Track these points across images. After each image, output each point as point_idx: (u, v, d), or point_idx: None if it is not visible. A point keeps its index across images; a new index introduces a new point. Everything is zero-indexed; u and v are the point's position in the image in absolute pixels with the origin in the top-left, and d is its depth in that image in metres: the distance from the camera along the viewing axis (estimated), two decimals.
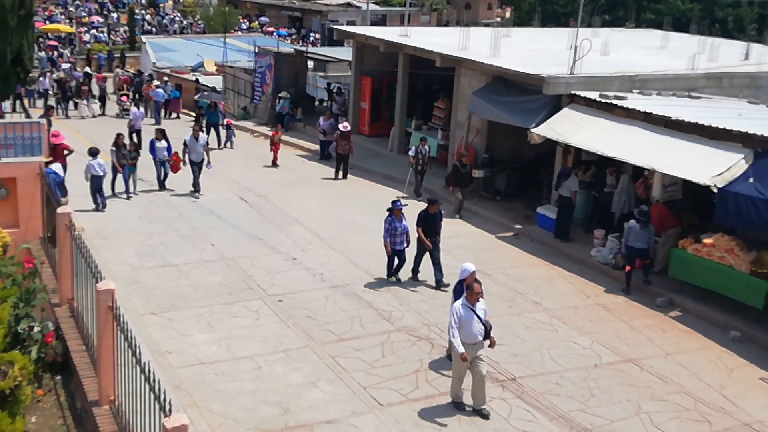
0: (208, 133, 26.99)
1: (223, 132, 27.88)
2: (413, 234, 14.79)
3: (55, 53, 49.87)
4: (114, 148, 19.75)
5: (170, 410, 6.76)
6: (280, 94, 31.04)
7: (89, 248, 10.37)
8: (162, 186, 20.76)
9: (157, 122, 32.73)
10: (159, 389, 7.08)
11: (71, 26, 59.18)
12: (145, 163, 20.77)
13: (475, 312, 10.31)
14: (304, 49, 35.85)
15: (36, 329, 10.62)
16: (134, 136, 26.02)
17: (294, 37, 63.30)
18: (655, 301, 14.68)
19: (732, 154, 14.54)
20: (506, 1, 76.74)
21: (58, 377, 10.69)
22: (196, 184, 20.48)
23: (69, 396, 10.27)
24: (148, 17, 66.56)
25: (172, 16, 70.25)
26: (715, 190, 13.95)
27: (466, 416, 10.49)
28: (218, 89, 36.48)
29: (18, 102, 33.43)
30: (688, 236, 15.03)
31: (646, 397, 11.34)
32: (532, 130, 18.26)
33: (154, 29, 62.30)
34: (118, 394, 8.95)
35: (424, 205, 15.23)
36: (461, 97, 22.18)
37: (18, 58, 20.32)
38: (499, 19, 74.70)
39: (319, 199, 20.78)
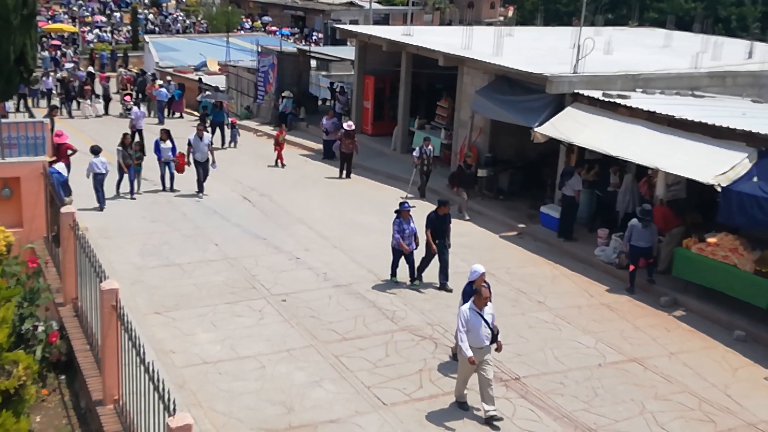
0: (213, 132, 27.03)
1: (227, 131, 27.89)
2: (422, 236, 14.65)
3: (59, 53, 49.92)
4: (120, 148, 19.72)
5: (174, 409, 6.76)
6: (283, 94, 31.05)
7: (93, 248, 10.37)
8: (171, 188, 20.61)
9: (161, 122, 32.77)
10: (163, 388, 7.08)
11: (74, 26, 59.23)
12: (149, 163, 20.74)
13: (482, 316, 10.22)
14: (307, 48, 35.84)
15: (40, 329, 10.64)
16: (136, 135, 26.02)
17: (297, 36, 63.30)
18: (659, 301, 14.66)
19: (736, 153, 14.51)
20: (509, 0, 76.70)
21: (63, 377, 10.70)
22: (200, 185, 20.41)
23: (73, 395, 10.28)
24: (151, 17, 66.60)
25: (175, 16, 70.28)
26: (719, 189, 13.93)
27: (470, 415, 10.48)
28: (221, 89, 36.50)
29: (22, 102, 33.52)
30: (692, 235, 15.01)
31: (650, 397, 11.33)
32: (536, 129, 18.24)
33: (157, 29, 62.34)
34: (122, 394, 8.95)
35: (428, 206, 15.19)
36: (464, 96, 22.17)
37: (21, 58, 20.30)
38: (501, 18, 74.61)
39: (322, 198, 20.78)
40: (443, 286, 14.61)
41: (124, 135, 20.29)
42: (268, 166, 24.35)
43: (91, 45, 54.98)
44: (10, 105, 30.71)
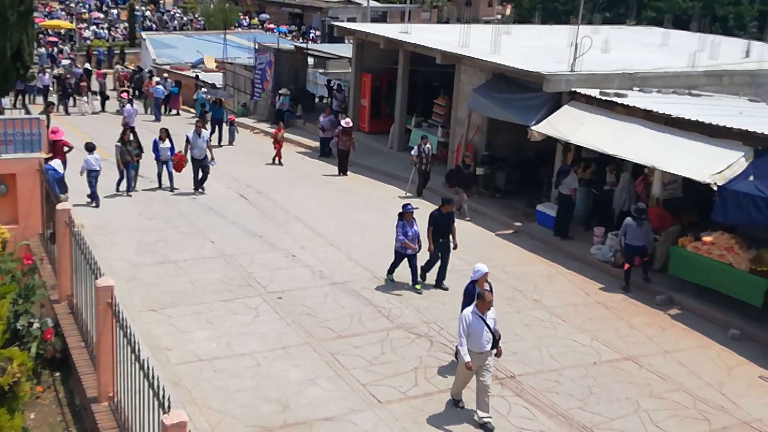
0: (212, 129, 26.98)
1: (225, 129, 27.85)
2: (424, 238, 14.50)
3: (55, 49, 49.86)
4: (119, 144, 19.64)
5: (169, 407, 6.75)
6: (280, 91, 31.01)
7: (88, 244, 10.35)
8: (171, 188, 20.42)
9: (157, 119, 32.73)
10: (158, 386, 7.07)
11: (71, 22, 59.16)
12: (147, 161, 20.61)
13: (484, 321, 10.10)
14: (304, 45, 35.81)
15: (35, 326, 10.61)
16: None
17: (294, 33, 63.27)
18: (655, 299, 14.67)
19: (732, 152, 14.53)
20: None
21: (57, 374, 10.67)
22: (196, 182, 20.36)
23: (68, 392, 10.26)
24: (148, 13, 66.55)
25: (172, 13, 70.27)
26: (715, 188, 13.94)
27: (464, 413, 10.48)
28: (218, 86, 36.47)
29: (19, 98, 33.50)
30: (688, 234, 15.02)
31: (645, 395, 11.34)
32: (533, 128, 18.25)
33: (154, 25, 62.30)
34: (117, 391, 8.93)
35: (425, 204, 15.14)
36: (461, 94, 22.16)
37: (18, 55, 20.31)
38: (499, 16, 74.68)
39: (318, 196, 20.77)
40: (439, 285, 14.59)
41: (124, 131, 20.20)
42: (266, 164, 24.31)
43: (88, 42, 54.91)
44: (6, 101, 30.72)
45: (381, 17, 62.51)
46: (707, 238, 14.39)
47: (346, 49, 32.25)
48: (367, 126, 27.57)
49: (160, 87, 34.50)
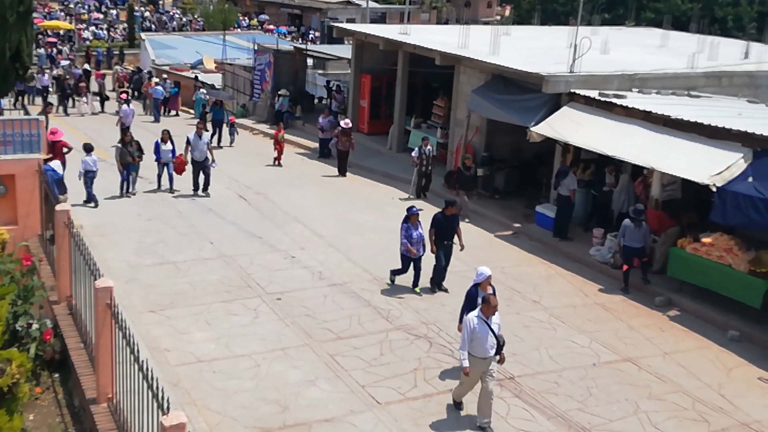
0: (214, 131, 26.93)
1: (225, 130, 27.82)
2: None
3: (54, 50, 49.85)
4: (120, 145, 19.54)
5: (168, 408, 6.75)
6: (279, 92, 31.02)
7: (87, 245, 10.35)
8: (170, 189, 20.30)
9: (156, 120, 32.74)
10: (157, 387, 7.07)
11: (70, 23, 59.15)
12: (147, 162, 20.46)
13: (489, 326, 10.02)
14: (303, 46, 35.82)
15: (34, 326, 10.61)
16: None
17: (293, 34, 63.28)
18: (654, 301, 14.68)
19: (731, 153, 14.54)
20: None
21: (56, 375, 10.67)
22: (195, 184, 20.20)
23: (67, 394, 10.26)
24: (147, 14, 66.53)
25: (171, 14, 70.27)
26: (715, 190, 13.95)
27: (464, 416, 10.48)
28: (217, 86, 36.46)
29: (19, 99, 33.50)
30: (687, 235, 15.03)
31: (644, 397, 11.34)
32: (532, 129, 18.25)
33: (153, 26, 62.29)
34: (116, 392, 8.93)
35: (424, 205, 15.08)
36: (461, 96, 22.17)
37: (17, 55, 20.28)
38: (498, 17, 74.69)
39: (318, 197, 20.76)
40: (439, 286, 14.56)
41: (125, 132, 20.11)
42: (267, 165, 24.29)
43: (87, 42, 54.91)
44: (5, 102, 30.70)
45: (380, 18, 62.52)
46: (706, 240, 14.40)
47: (345, 50, 32.26)
48: (367, 127, 27.57)
49: (160, 88, 34.50)
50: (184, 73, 41.17)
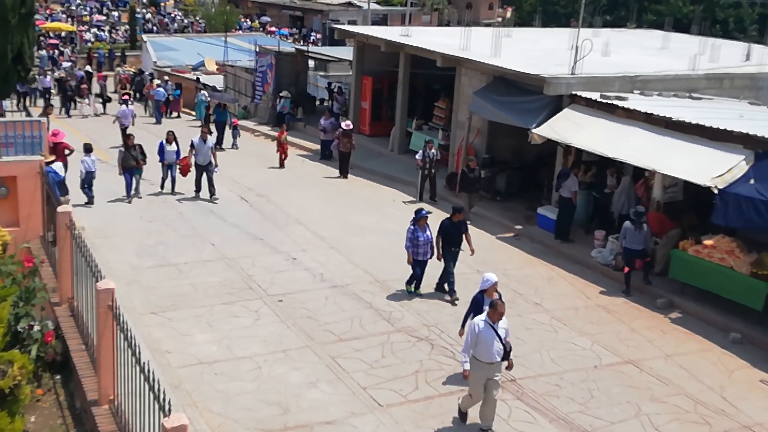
0: (219, 133, 26.87)
1: (228, 132, 27.79)
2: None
3: (56, 52, 49.91)
4: (123, 149, 19.43)
5: (169, 410, 6.75)
6: (281, 94, 31.05)
7: (89, 247, 10.35)
8: (172, 191, 20.21)
9: (158, 121, 32.76)
10: (158, 389, 7.07)
11: (72, 25, 59.21)
12: (151, 164, 20.33)
13: (496, 331, 9.85)
14: (305, 48, 35.84)
15: (36, 328, 10.60)
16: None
17: (295, 36, 63.32)
18: (656, 303, 14.67)
19: (733, 156, 14.53)
20: (507, 1, 76.79)
21: (58, 376, 10.67)
22: (198, 186, 20.01)
23: (68, 395, 10.26)
24: (149, 16, 66.58)
25: (173, 15, 70.31)
26: (716, 192, 13.94)
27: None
28: (219, 88, 36.49)
29: (22, 101, 33.55)
30: (688, 238, 15.02)
31: (646, 399, 11.33)
32: (533, 131, 18.25)
33: (155, 28, 62.34)
34: (117, 394, 8.93)
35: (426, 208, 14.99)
36: (462, 97, 22.17)
37: (19, 57, 20.30)
38: (500, 19, 74.67)
39: (319, 199, 20.76)
40: (440, 288, 14.53)
41: (128, 136, 19.97)
42: (270, 167, 24.27)
43: (89, 44, 54.97)
44: (7, 104, 30.71)
45: (381, 20, 62.55)
46: (708, 242, 14.39)
47: (346, 52, 32.27)
48: (368, 129, 27.57)
49: (161, 89, 34.51)
50: (185, 75, 41.21)
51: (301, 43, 52.61)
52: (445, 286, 14.35)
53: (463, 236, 14.33)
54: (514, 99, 19.64)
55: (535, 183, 20.82)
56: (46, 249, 13.27)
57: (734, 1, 55.70)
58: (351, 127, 23.66)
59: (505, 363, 10.10)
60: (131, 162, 19.31)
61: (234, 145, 27.53)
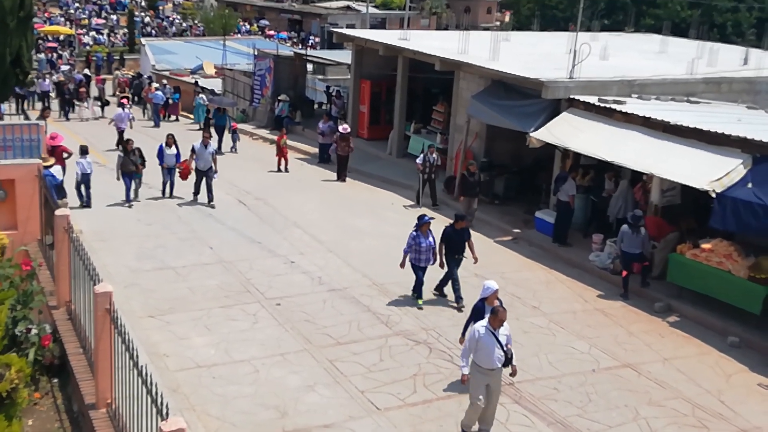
0: (218, 137, 26.86)
1: (227, 136, 27.78)
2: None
3: (55, 55, 49.91)
4: (122, 154, 19.34)
5: (167, 413, 6.74)
6: (279, 97, 31.07)
7: (87, 250, 10.34)
8: (170, 195, 20.10)
9: (156, 125, 32.76)
10: (156, 392, 7.06)
11: (71, 28, 59.23)
12: (151, 167, 20.23)
13: (497, 337, 9.78)
14: (303, 52, 35.87)
15: (33, 332, 10.59)
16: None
17: (293, 40, 63.38)
18: (654, 306, 14.67)
19: (730, 159, 14.55)
20: (506, 5, 76.89)
21: (55, 380, 10.65)
22: (197, 190, 19.91)
23: (66, 399, 10.24)
24: (147, 19, 66.60)
25: (171, 19, 70.32)
26: (714, 195, 13.95)
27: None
28: (217, 91, 36.51)
29: (20, 104, 33.56)
30: (686, 241, 15.03)
31: (643, 403, 11.33)
32: (531, 135, 18.27)
33: (153, 31, 62.36)
34: (115, 397, 8.92)
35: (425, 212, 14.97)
36: (460, 101, 22.19)
37: (17, 60, 20.34)
38: (498, 23, 74.77)
39: (317, 202, 20.77)
40: (439, 289, 14.49)
41: (127, 141, 19.84)
42: (269, 171, 24.25)
43: (88, 47, 54.99)
44: (5, 107, 30.73)
45: (380, 24, 62.70)
46: (706, 246, 14.40)
47: (345, 56, 32.32)
48: (366, 132, 27.59)
49: (160, 93, 34.53)
50: (184, 78, 41.21)
51: (300, 46, 52.70)
52: (451, 292, 14.25)
53: (466, 244, 14.22)
54: (512, 103, 19.66)
55: (533, 187, 20.84)
56: (44, 252, 13.26)
57: (732, 5, 55.78)
58: (348, 130, 23.69)
59: (508, 369, 10.04)
60: (131, 167, 19.24)
61: (233, 149, 27.52)
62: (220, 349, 12.03)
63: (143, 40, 52.07)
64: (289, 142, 27.35)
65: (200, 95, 33.68)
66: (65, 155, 19.17)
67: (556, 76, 18.81)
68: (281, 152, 24.23)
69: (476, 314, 10.88)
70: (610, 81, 19.18)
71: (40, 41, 49.81)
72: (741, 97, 20.27)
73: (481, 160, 21.26)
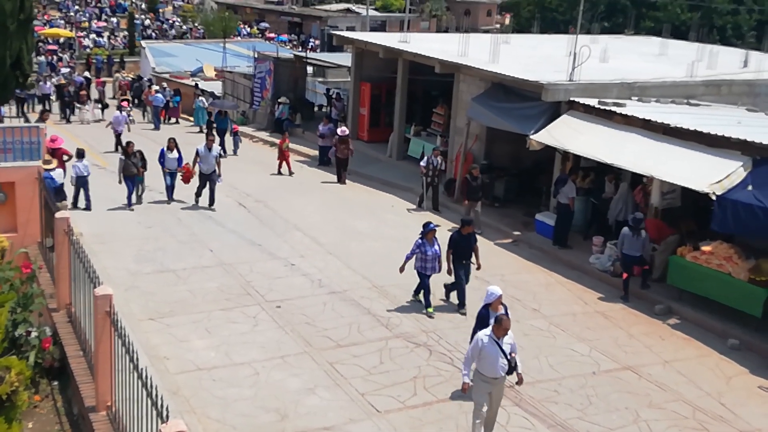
0: (221, 140, 26.86)
1: (229, 139, 27.78)
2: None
3: (55, 58, 49.96)
4: (123, 157, 19.30)
5: (167, 416, 6.74)
6: (279, 100, 31.07)
7: (87, 253, 10.35)
8: (170, 198, 20.03)
9: (156, 127, 32.77)
10: (156, 395, 7.06)
11: (71, 31, 59.29)
12: (151, 171, 20.20)
13: (500, 346, 9.68)
14: (303, 54, 35.88)
15: (33, 334, 10.60)
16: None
17: (294, 42, 63.42)
18: (654, 309, 14.67)
19: (731, 162, 14.55)
20: (505, 7, 76.94)
21: (56, 383, 10.66)
22: (199, 193, 19.82)
23: (66, 402, 10.25)
24: (147, 22, 66.68)
25: (171, 21, 70.40)
26: (714, 198, 13.95)
27: (464, 424, 10.45)
28: (217, 94, 36.52)
29: (20, 107, 33.58)
30: (686, 244, 15.03)
31: (644, 405, 11.32)
32: (531, 137, 18.27)
33: (153, 34, 62.43)
34: (115, 400, 8.92)
35: (427, 216, 14.89)
36: (460, 104, 22.20)
37: (17, 63, 20.36)
38: (498, 26, 74.88)
39: (317, 204, 20.76)
40: (448, 292, 14.33)
41: (128, 143, 19.82)
42: (268, 173, 24.24)
43: (88, 50, 55.05)
44: (5, 110, 30.75)
45: (380, 26, 62.75)
46: (706, 248, 14.40)
47: (345, 58, 32.33)
48: (366, 135, 27.60)
49: (160, 95, 34.54)
50: (184, 81, 41.25)
51: (300, 49, 52.70)
52: (454, 296, 14.24)
53: (471, 249, 14.11)
54: (512, 105, 19.67)
55: (533, 189, 20.83)
56: (44, 255, 13.27)
57: (732, 7, 55.80)
58: (346, 133, 23.68)
59: (513, 377, 9.97)
60: (132, 169, 19.19)
61: (235, 152, 27.53)
62: (220, 352, 12.03)
63: (143, 43, 52.12)
64: (289, 144, 27.43)
65: (200, 98, 33.68)
66: (65, 158, 19.18)
67: (556, 79, 18.82)
68: (283, 156, 24.21)
69: (481, 321, 10.77)
70: (610, 83, 19.18)
71: (40, 44, 49.86)
72: (741, 100, 20.27)
73: (481, 162, 21.25)
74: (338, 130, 23.81)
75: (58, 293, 11.69)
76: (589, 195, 18.35)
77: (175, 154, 20.00)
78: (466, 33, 26.70)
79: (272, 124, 31.05)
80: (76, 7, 69.98)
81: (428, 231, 13.81)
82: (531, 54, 24.82)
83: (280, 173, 24.17)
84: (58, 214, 11.48)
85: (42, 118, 26.15)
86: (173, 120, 35.48)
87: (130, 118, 30.89)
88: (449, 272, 13.97)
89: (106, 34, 61.06)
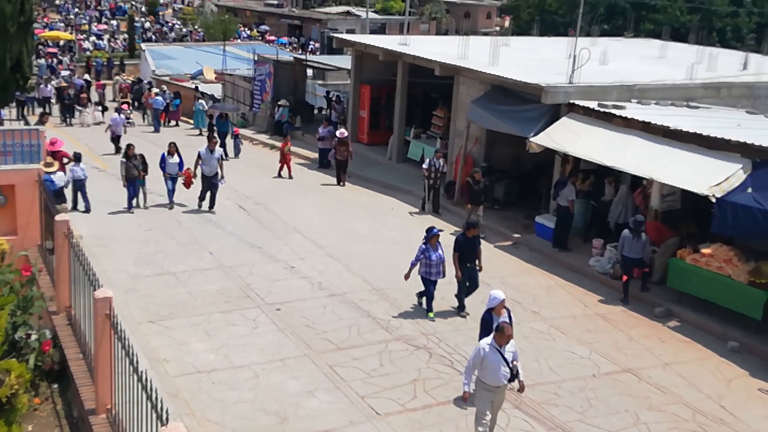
0: (222, 143, 26.85)
1: (230, 142, 27.77)
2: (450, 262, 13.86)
3: (55, 60, 49.99)
4: (124, 160, 19.27)
5: (167, 419, 6.74)
6: (279, 102, 31.08)
7: (87, 256, 10.35)
8: (171, 202, 19.92)
9: (156, 130, 32.78)
10: (156, 398, 7.06)
11: (71, 34, 59.34)
12: (152, 175, 20.14)
13: (502, 354, 9.63)
14: (303, 57, 35.90)
15: (33, 337, 10.60)
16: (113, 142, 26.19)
17: (294, 45, 63.46)
18: (654, 311, 14.66)
19: (730, 164, 14.56)
20: (505, 10, 77.02)
21: (55, 385, 10.66)
22: (202, 197, 19.79)
23: (66, 404, 10.24)
24: (147, 25, 66.74)
25: (171, 24, 70.47)
26: (714, 200, 13.96)
27: (464, 426, 10.45)
28: (217, 97, 36.53)
29: (20, 109, 33.60)
30: (686, 246, 15.03)
31: (644, 408, 11.32)
32: (531, 139, 18.27)
33: (153, 37, 62.47)
34: (115, 403, 8.92)
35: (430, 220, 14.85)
36: (460, 106, 22.20)
37: (17, 65, 20.37)
38: (498, 28, 74.95)
39: (317, 207, 20.77)
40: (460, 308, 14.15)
41: (128, 146, 19.76)
42: (269, 176, 24.25)
43: (88, 53, 55.08)
44: (5, 112, 30.77)
45: (380, 29, 62.73)
46: (706, 250, 14.39)
47: (345, 61, 32.33)
48: (366, 137, 27.61)
49: (160, 98, 34.57)
50: (184, 84, 41.27)
51: (300, 51, 52.73)
52: (454, 298, 14.22)
53: (477, 251, 14.06)
54: (512, 108, 19.67)
55: (533, 192, 20.84)
56: (44, 257, 13.27)
57: (732, 10, 55.83)
58: (346, 135, 23.69)
59: (515, 384, 9.97)
60: (134, 172, 19.19)
61: (236, 155, 27.53)
62: (220, 354, 12.03)
63: (143, 46, 52.16)
64: (292, 149, 27.44)
65: (200, 100, 33.69)
66: (65, 160, 19.19)
67: (556, 81, 18.83)
68: (284, 159, 24.21)
69: (485, 326, 10.71)
70: (610, 86, 19.19)
71: (40, 46, 49.90)
72: (740, 102, 20.27)
73: (481, 165, 21.24)
74: (337, 133, 23.83)
75: (58, 296, 11.69)
76: (588, 197, 18.34)
77: (176, 158, 19.93)
78: (466, 35, 26.73)
79: (272, 127, 31.06)
80: (76, 10, 70.08)
81: (432, 236, 13.73)
82: (531, 56, 24.83)
83: (280, 176, 24.17)
84: (57, 217, 11.48)
85: (42, 120, 26.15)
86: (173, 123, 35.49)
87: (129, 120, 30.92)
88: (457, 277, 13.84)
89: (106, 36, 61.08)
